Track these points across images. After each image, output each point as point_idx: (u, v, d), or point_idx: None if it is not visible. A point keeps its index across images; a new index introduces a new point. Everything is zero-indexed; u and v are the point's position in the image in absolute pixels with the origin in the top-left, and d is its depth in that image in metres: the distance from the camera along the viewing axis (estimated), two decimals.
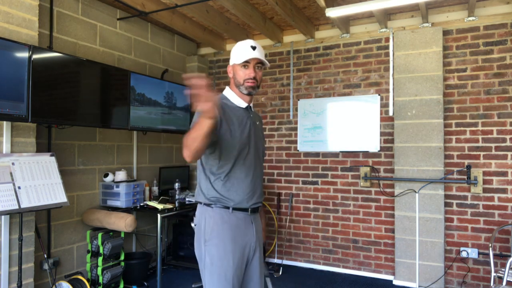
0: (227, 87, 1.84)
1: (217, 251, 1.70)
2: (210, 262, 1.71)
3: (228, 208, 1.74)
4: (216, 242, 1.71)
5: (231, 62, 1.80)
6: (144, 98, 3.82)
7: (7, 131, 2.66)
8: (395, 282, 3.84)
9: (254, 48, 1.73)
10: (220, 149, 1.70)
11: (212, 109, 1.34)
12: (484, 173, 3.59)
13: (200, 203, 1.81)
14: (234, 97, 1.80)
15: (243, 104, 1.80)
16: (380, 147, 4.04)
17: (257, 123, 1.90)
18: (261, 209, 2.06)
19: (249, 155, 1.77)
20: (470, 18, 3.63)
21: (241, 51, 1.73)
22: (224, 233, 1.72)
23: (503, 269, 2.80)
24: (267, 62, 1.76)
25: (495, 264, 3.06)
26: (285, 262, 4.42)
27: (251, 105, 1.86)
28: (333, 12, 3.32)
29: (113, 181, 3.62)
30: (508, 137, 3.53)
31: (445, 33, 3.76)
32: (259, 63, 1.75)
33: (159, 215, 3.47)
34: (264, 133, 4.65)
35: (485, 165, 3.60)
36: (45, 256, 3.01)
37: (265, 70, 3.77)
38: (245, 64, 1.73)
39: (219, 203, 1.74)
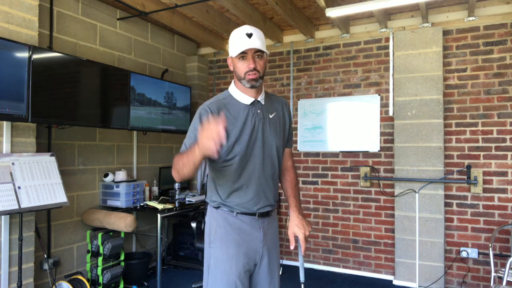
0: (232, 83, 1.71)
1: (220, 254, 1.66)
2: (214, 264, 1.68)
3: (232, 211, 1.68)
4: (219, 245, 1.67)
5: (229, 54, 1.63)
6: (144, 98, 3.82)
7: (7, 131, 2.66)
8: (395, 282, 3.84)
9: (250, 35, 1.55)
10: (221, 155, 1.63)
11: (213, 150, 1.32)
12: (484, 173, 3.59)
13: (208, 204, 1.78)
14: (238, 94, 1.67)
15: (248, 100, 1.66)
16: (380, 147, 4.04)
17: (271, 115, 1.73)
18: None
19: (254, 156, 1.65)
20: (470, 18, 3.63)
21: (237, 41, 1.58)
22: (227, 237, 1.67)
23: (503, 269, 2.80)
24: (266, 50, 1.61)
25: (495, 264, 3.06)
26: (285, 262, 4.42)
27: (259, 99, 1.69)
28: (333, 12, 3.32)
29: (113, 181, 3.62)
30: (508, 137, 3.53)
31: (445, 33, 3.76)
32: (258, 51, 1.58)
33: (159, 215, 3.47)
34: None
35: (485, 165, 3.60)
36: (45, 256, 3.01)
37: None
38: (243, 55, 1.57)
39: (224, 206, 1.69)
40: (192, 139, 1.59)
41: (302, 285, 1.86)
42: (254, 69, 1.57)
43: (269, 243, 1.75)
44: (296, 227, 1.73)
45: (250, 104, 1.67)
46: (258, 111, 1.68)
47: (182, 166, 1.49)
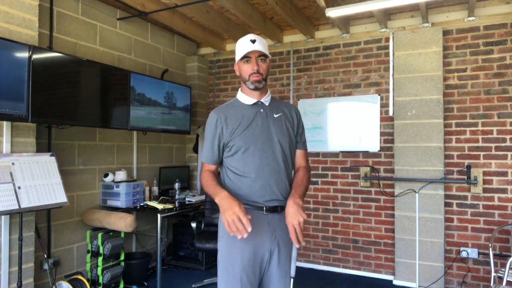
0: (239, 89, 1.87)
1: (226, 247, 1.76)
2: (221, 257, 1.78)
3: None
4: (226, 238, 1.76)
5: (236, 60, 1.81)
6: (144, 98, 3.82)
7: (7, 131, 2.66)
8: (395, 282, 3.84)
9: (253, 41, 1.72)
10: (225, 151, 1.81)
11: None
12: (484, 173, 3.59)
13: None
14: (243, 97, 1.83)
15: (251, 101, 1.81)
16: (380, 147, 4.04)
17: (275, 115, 1.82)
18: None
19: (256, 149, 1.74)
20: (470, 18, 3.63)
21: (241, 47, 1.75)
22: None
23: (503, 269, 2.80)
24: (268, 54, 1.77)
25: (495, 264, 3.06)
26: None
27: (262, 100, 1.82)
28: (333, 12, 3.32)
29: (113, 181, 3.61)
30: (508, 137, 3.53)
31: (445, 33, 3.76)
32: (261, 55, 1.75)
33: (159, 215, 3.47)
34: None
35: (485, 165, 3.60)
36: (45, 256, 3.01)
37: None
38: (247, 59, 1.74)
39: None
40: (209, 151, 1.81)
41: (291, 280, 1.77)
42: (257, 71, 1.74)
43: (280, 242, 1.75)
44: (289, 216, 1.67)
45: (253, 104, 1.82)
46: (261, 110, 1.82)
47: (206, 189, 1.76)
